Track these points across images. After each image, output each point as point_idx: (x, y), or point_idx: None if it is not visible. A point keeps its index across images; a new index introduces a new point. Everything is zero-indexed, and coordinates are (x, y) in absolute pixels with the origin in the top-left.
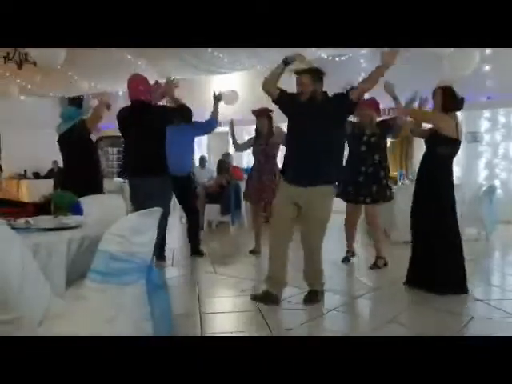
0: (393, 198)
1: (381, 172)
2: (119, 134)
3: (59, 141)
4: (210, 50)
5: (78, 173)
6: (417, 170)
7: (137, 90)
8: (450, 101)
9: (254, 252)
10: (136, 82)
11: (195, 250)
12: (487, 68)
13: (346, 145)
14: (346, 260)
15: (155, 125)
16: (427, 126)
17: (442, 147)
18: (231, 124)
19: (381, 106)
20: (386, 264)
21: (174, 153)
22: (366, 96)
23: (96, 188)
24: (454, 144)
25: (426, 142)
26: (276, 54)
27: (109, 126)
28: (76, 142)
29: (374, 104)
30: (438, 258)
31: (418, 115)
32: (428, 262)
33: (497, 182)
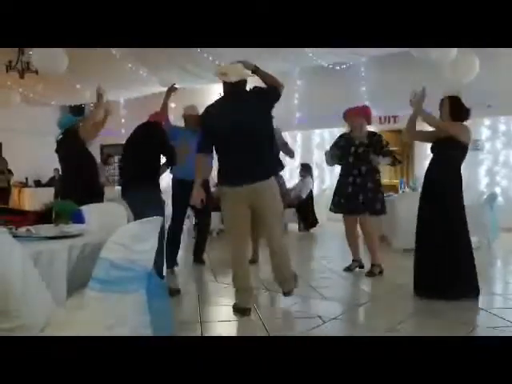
0: (383, 213)
1: (368, 183)
2: (120, 143)
3: (56, 149)
4: (211, 58)
5: (75, 181)
6: (417, 177)
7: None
8: (457, 110)
9: (253, 261)
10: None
11: (198, 258)
12: (487, 76)
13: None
14: (348, 269)
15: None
16: (427, 128)
17: (457, 152)
18: None
19: (378, 114)
20: (381, 272)
21: (191, 159)
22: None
23: (95, 196)
24: (465, 149)
25: (435, 148)
26: (275, 63)
27: (108, 133)
28: (70, 148)
29: (363, 112)
30: (456, 262)
31: (433, 122)
32: (444, 268)
33: (498, 190)
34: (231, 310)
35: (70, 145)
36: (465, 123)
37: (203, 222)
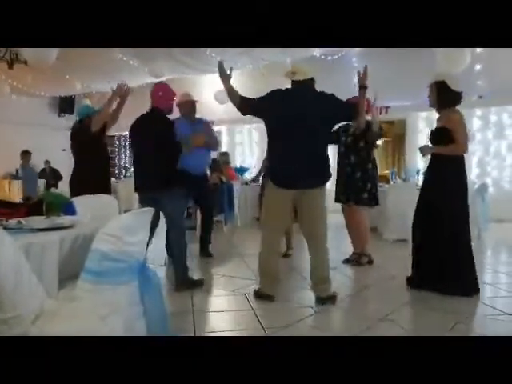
0: (375, 204)
1: (357, 173)
2: (112, 134)
3: (70, 138)
4: (202, 48)
5: (85, 173)
6: (408, 169)
7: (158, 97)
8: (443, 96)
9: (287, 255)
10: (159, 88)
11: (206, 252)
12: (479, 67)
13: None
14: (347, 262)
15: (168, 136)
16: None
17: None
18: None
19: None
20: (370, 262)
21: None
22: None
23: (104, 189)
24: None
25: (435, 142)
26: (269, 53)
27: None
28: (83, 139)
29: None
30: (455, 260)
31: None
32: (443, 265)
33: (488, 181)
34: (224, 300)
35: (82, 135)
36: (456, 108)
37: (208, 216)
